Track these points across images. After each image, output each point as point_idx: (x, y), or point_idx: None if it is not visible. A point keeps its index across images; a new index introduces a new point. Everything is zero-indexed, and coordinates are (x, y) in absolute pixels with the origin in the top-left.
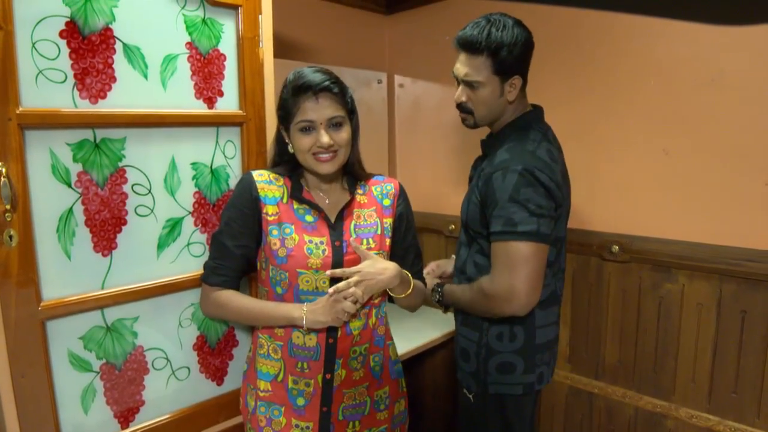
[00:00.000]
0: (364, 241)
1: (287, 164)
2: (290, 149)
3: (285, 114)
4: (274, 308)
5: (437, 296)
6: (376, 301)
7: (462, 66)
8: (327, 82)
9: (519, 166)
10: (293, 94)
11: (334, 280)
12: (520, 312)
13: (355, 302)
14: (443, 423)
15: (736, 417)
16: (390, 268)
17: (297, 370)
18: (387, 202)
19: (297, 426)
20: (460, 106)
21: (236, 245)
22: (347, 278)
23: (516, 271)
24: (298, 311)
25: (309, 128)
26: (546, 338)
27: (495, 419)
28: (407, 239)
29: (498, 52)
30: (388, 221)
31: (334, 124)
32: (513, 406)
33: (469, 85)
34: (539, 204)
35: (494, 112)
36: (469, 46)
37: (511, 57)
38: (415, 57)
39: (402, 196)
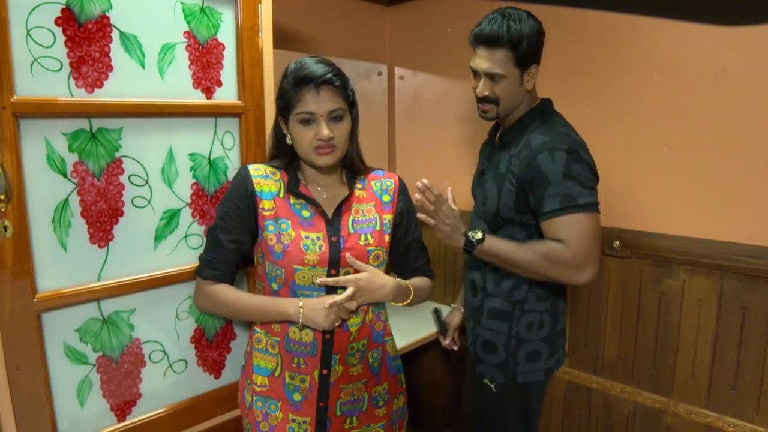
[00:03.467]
0: (362, 237)
1: (284, 156)
2: (288, 140)
3: (285, 104)
4: (268, 304)
5: (469, 247)
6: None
7: (483, 60)
8: (329, 75)
9: (564, 145)
10: (294, 84)
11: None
12: (587, 281)
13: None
14: (441, 416)
15: (736, 413)
16: (387, 285)
17: (293, 366)
18: (387, 198)
19: (294, 420)
20: (484, 99)
21: (229, 240)
22: (342, 285)
23: (588, 241)
24: (294, 308)
25: (309, 120)
26: (564, 324)
27: (516, 407)
28: (409, 236)
29: (519, 45)
30: (388, 217)
31: (334, 117)
32: (535, 392)
33: (491, 77)
34: (588, 178)
35: (515, 101)
36: (490, 41)
37: (530, 48)
38: (415, 49)
39: (402, 191)
